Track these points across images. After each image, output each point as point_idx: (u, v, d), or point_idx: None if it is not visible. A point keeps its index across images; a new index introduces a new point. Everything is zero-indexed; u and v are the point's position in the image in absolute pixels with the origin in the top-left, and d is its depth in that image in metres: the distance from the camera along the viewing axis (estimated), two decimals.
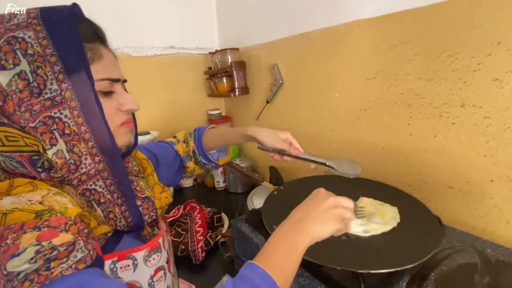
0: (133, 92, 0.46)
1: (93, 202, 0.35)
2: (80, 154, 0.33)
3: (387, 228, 0.52)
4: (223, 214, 0.98)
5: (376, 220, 0.53)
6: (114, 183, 0.36)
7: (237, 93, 1.20)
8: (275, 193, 0.67)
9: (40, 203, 0.29)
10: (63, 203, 0.31)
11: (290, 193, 0.68)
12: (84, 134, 0.33)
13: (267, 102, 1.13)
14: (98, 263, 0.32)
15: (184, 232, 0.87)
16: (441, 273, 0.45)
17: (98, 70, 0.35)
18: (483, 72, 0.54)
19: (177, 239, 0.84)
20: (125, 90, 0.42)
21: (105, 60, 0.36)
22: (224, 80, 1.24)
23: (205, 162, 0.67)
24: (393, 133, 0.73)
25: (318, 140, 0.96)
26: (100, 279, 0.29)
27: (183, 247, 0.81)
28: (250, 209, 0.89)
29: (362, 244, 0.49)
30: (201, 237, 0.84)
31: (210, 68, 1.34)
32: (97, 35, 0.37)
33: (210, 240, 0.84)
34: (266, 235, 0.55)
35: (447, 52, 0.59)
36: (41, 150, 0.31)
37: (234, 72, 1.18)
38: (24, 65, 0.29)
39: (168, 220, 0.90)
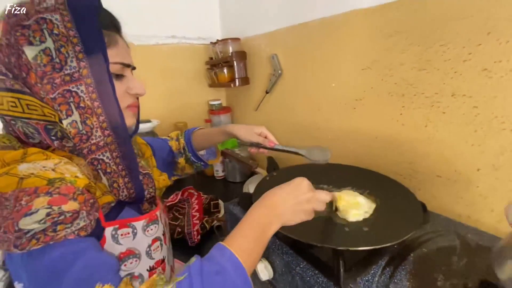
0: None
1: (99, 171, 0.38)
2: (91, 126, 0.36)
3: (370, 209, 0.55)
4: (220, 201, 1.01)
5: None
6: (120, 157, 0.39)
7: (237, 83, 1.22)
8: (267, 178, 0.69)
9: (53, 170, 0.32)
10: (73, 172, 0.34)
11: (282, 178, 0.69)
12: (96, 109, 0.36)
13: (267, 92, 1.14)
14: (97, 232, 0.36)
15: (181, 216, 0.90)
16: (420, 254, 0.47)
17: (113, 54, 0.38)
18: (473, 61, 0.55)
19: (175, 223, 0.87)
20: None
21: (120, 46, 0.40)
22: (225, 70, 1.26)
23: (194, 160, 0.71)
24: (386, 122, 0.74)
25: (314, 130, 0.97)
26: (93, 250, 0.33)
27: (180, 230, 0.84)
28: None
29: (344, 226, 0.51)
30: (197, 221, 0.87)
31: (211, 58, 1.35)
32: (114, 24, 0.41)
33: (206, 224, 0.87)
34: None
35: (440, 42, 0.59)
36: (57, 120, 0.34)
37: (235, 62, 1.19)
38: (49, 43, 0.33)
39: (167, 205, 0.93)
